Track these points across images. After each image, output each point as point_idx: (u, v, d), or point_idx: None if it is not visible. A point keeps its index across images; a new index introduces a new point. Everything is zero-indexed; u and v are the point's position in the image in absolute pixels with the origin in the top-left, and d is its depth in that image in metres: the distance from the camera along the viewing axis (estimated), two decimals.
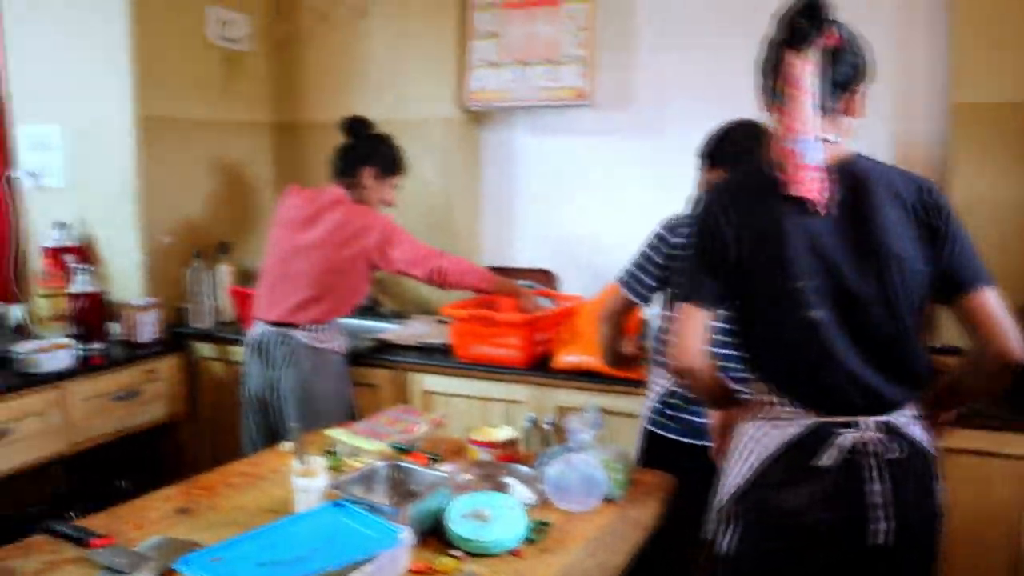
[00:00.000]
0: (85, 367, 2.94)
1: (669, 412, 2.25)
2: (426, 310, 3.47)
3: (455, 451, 2.19)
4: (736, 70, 3.08)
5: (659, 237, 2.31)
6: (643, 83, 3.23)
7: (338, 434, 2.22)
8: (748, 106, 2.90)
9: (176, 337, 3.30)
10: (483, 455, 2.12)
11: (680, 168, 3.13)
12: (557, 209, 3.45)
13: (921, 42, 2.87)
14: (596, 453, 1.99)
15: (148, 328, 3.17)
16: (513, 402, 2.88)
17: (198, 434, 3.37)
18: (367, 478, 1.90)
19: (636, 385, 2.63)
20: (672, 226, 2.29)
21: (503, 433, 2.16)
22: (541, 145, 3.45)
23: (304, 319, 2.82)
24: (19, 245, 3.48)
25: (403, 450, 2.11)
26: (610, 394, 2.73)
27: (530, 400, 2.85)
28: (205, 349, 3.33)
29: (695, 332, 1.65)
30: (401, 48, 3.46)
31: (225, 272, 3.41)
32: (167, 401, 3.21)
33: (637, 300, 2.30)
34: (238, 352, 3.24)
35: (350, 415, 2.90)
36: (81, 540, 1.66)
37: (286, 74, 3.72)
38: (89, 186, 3.35)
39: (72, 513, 3.16)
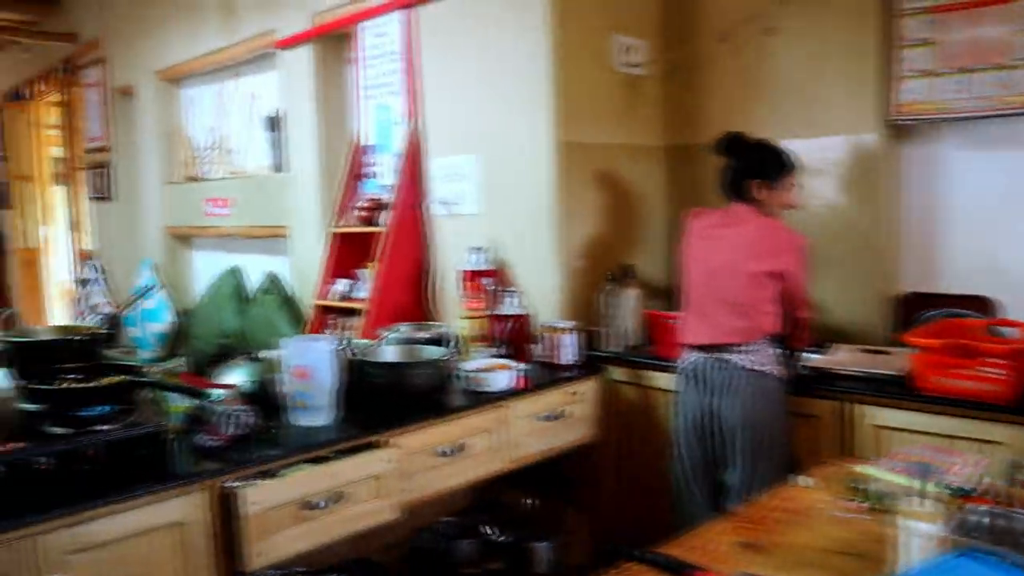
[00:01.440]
0: (519, 387, 2.86)
1: None
2: (845, 338, 3.12)
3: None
4: None
5: None
6: None
7: (867, 470, 1.94)
8: None
9: (590, 360, 3.18)
10: None
11: None
12: (999, 231, 2.99)
13: None
14: None
15: (570, 350, 3.06)
16: (988, 442, 2.46)
17: (607, 457, 3.21)
18: (964, 525, 1.59)
19: None
20: None
21: None
22: (979, 160, 3.01)
23: (736, 340, 2.62)
24: (432, 269, 3.53)
25: (962, 493, 1.79)
26: None
27: (1013, 442, 2.43)
28: (617, 372, 3.18)
29: None
30: (811, 65, 3.17)
31: (632, 295, 3.25)
32: (586, 423, 3.08)
33: None
34: (651, 377, 3.08)
35: (789, 447, 2.63)
36: (678, 571, 1.48)
37: (681, 97, 3.54)
38: (502, 212, 3.34)
39: (487, 528, 3.14)
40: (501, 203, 3.35)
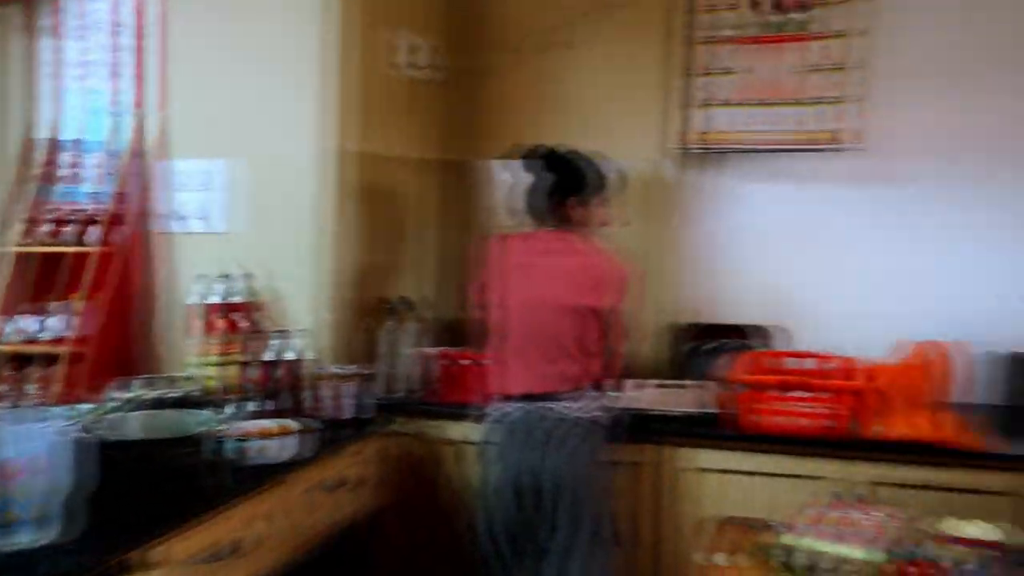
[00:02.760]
0: (300, 454, 2.20)
1: None
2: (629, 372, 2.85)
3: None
4: (995, 122, 2.75)
5: None
6: (897, 128, 2.78)
7: (790, 538, 1.62)
8: (1009, 161, 2.68)
9: (369, 410, 2.57)
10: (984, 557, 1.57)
11: (925, 220, 2.79)
12: (779, 261, 2.95)
13: None
14: None
15: (350, 401, 2.46)
16: (811, 478, 2.34)
17: (395, 525, 2.64)
18: None
19: (982, 458, 2.21)
20: None
21: (991, 531, 1.63)
22: (766, 191, 2.96)
23: (563, 388, 2.23)
24: (162, 302, 2.70)
25: (902, 557, 1.54)
26: (939, 468, 2.25)
27: (832, 476, 2.32)
28: (400, 424, 2.62)
29: None
30: (607, 84, 2.92)
31: (412, 331, 2.73)
32: (372, 488, 2.49)
33: None
34: (440, 427, 2.61)
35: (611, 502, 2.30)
36: None
37: (465, 108, 3.09)
38: (262, 232, 2.63)
39: None
40: (261, 221, 2.62)
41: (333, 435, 2.38)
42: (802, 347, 2.74)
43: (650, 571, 2.47)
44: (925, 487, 2.23)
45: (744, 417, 2.38)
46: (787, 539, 1.61)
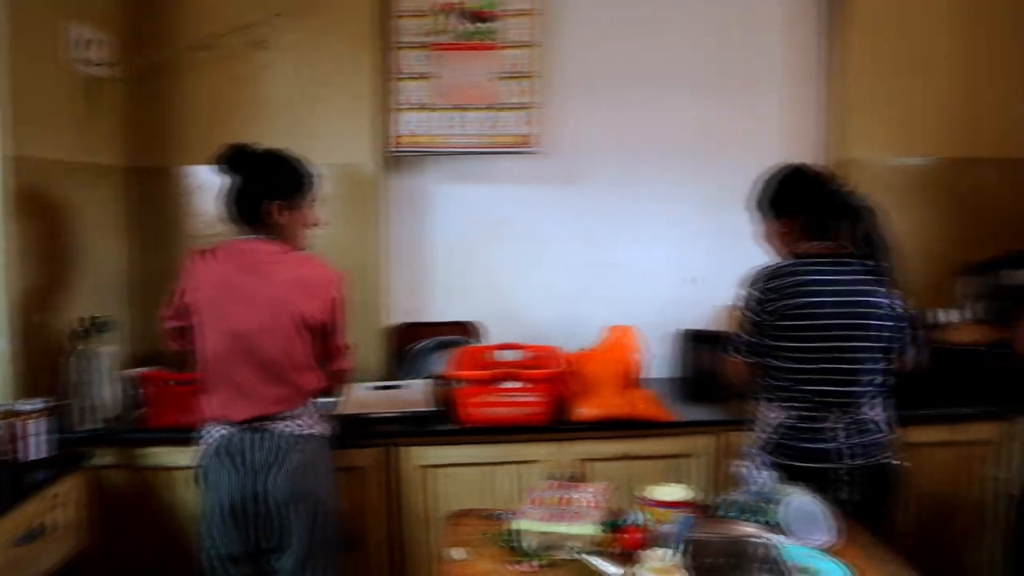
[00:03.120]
0: None
1: (785, 442, 2.12)
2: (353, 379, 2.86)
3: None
4: (658, 127, 3.12)
5: (752, 296, 2.16)
6: (576, 133, 3.09)
7: (518, 524, 1.73)
8: (672, 162, 3.15)
9: (64, 446, 2.31)
10: (680, 516, 1.80)
11: (606, 218, 3.10)
12: (481, 259, 3.13)
13: None
14: (797, 491, 1.84)
15: (40, 440, 2.20)
16: (528, 462, 2.53)
17: (106, 569, 2.41)
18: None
19: (665, 427, 2.52)
20: (757, 280, 2.16)
21: (682, 491, 1.87)
22: (465, 192, 3.11)
23: (281, 407, 2.16)
24: None
25: (615, 526, 1.72)
26: (634, 440, 2.54)
27: (546, 458, 2.53)
28: (102, 456, 2.40)
29: None
30: (306, 86, 2.87)
31: (109, 355, 2.50)
32: (73, 533, 2.25)
33: (762, 360, 2.17)
34: (148, 455, 2.43)
35: (340, 511, 2.29)
36: None
37: (152, 109, 2.86)
38: None
39: None
40: None
41: (22, 480, 2.12)
42: (509, 340, 2.93)
43: (387, 573, 2.51)
44: (626, 458, 2.51)
45: (461, 411, 2.50)
46: (515, 525, 1.73)
